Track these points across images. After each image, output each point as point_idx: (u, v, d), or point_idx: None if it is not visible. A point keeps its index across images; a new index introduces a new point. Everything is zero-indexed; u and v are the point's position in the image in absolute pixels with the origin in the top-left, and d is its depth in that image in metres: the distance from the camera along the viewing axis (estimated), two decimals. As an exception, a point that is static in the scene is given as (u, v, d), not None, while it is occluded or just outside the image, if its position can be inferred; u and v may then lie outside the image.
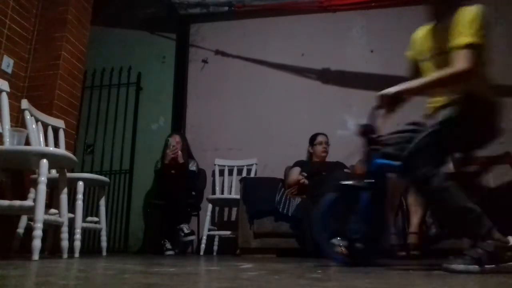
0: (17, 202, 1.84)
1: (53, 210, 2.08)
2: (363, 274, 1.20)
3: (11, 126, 2.10)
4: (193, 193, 3.30)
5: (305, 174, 2.73)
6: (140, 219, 3.84)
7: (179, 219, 2.96)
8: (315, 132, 3.28)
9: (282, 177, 3.18)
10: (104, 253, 2.65)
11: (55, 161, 1.92)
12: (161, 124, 4.10)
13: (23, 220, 2.30)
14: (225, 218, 3.77)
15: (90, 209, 3.74)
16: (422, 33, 1.79)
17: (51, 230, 2.52)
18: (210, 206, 3.27)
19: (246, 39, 4.18)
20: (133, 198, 3.90)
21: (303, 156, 3.39)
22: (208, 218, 3.23)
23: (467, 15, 1.50)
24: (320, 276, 1.12)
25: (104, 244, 2.67)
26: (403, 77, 3.96)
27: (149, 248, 3.41)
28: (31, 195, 2.26)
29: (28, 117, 2.19)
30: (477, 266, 1.27)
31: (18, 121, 2.74)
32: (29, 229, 2.08)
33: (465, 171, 2.03)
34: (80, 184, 2.34)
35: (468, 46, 1.45)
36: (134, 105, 4.14)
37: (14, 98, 2.74)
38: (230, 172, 3.66)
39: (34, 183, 1.91)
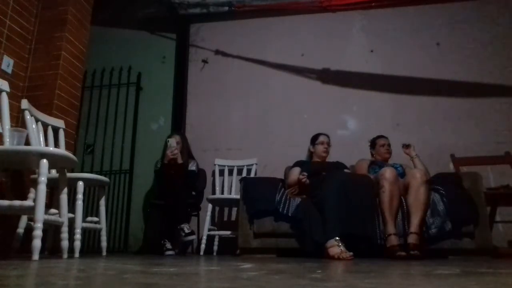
0: (17, 202, 1.84)
1: (53, 210, 2.07)
2: (363, 274, 1.20)
3: (11, 126, 2.10)
4: (193, 193, 3.30)
5: (306, 174, 2.72)
6: (140, 219, 3.84)
7: (179, 219, 2.95)
8: (316, 132, 3.28)
9: (282, 177, 3.18)
10: (104, 253, 2.65)
11: (55, 161, 1.92)
12: (161, 124, 4.10)
13: (23, 220, 2.30)
14: (225, 218, 3.77)
15: (90, 209, 3.75)
16: None
17: (51, 230, 2.52)
18: (210, 206, 3.27)
19: (246, 39, 4.18)
20: (133, 198, 3.90)
21: (303, 156, 3.39)
22: (208, 218, 3.23)
23: None
24: (320, 276, 1.12)
25: (104, 244, 2.67)
26: (403, 77, 4.00)
27: (149, 248, 3.41)
28: (31, 195, 2.26)
29: (28, 117, 2.19)
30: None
31: (18, 121, 2.75)
32: (29, 229, 2.08)
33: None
34: (80, 184, 2.33)
35: None
36: (134, 105, 4.15)
37: (14, 98, 2.74)
38: (230, 172, 3.66)
39: (34, 183, 1.91)
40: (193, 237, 2.94)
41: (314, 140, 3.22)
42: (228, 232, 3.29)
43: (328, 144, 3.18)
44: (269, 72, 4.04)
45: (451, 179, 2.73)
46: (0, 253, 2.22)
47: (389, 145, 3.16)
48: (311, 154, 3.25)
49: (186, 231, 2.87)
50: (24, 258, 1.77)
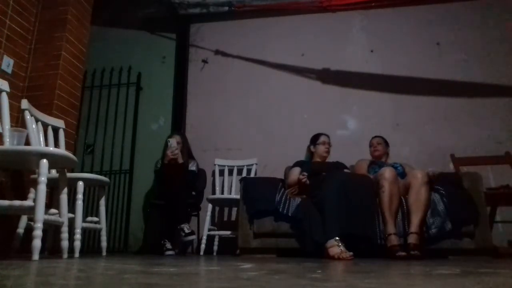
0: (17, 202, 1.84)
1: (53, 210, 2.07)
2: (363, 274, 1.20)
3: (11, 126, 2.10)
4: (193, 193, 3.30)
5: (306, 174, 2.72)
6: (140, 219, 3.84)
7: (179, 219, 2.95)
8: (316, 132, 3.28)
9: (282, 177, 3.18)
10: (104, 253, 2.65)
11: (55, 161, 1.92)
12: (161, 124, 4.10)
13: (23, 220, 2.30)
14: (225, 218, 3.77)
15: (90, 209, 3.75)
16: None
17: (51, 230, 2.52)
18: (210, 206, 3.27)
19: (246, 39, 4.18)
20: (133, 198, 3.90)
21: (303, 156, 3.39)
22: (208, 218, 3.23)
23: None
24: (320, 276, 1.12)
25: (104, 244, 2.67)
26: (403, 77, 4.00)
27: (149, 248, 3.41)
28: (31, 195, 2.26)
29: (28, 117, 2.19)
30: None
31: (18, 121, 2.75)
32: (29, 229, 2.08)
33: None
34: (80, 184, 2.33)
35: None
36: (134, 105, 4.14)
37: (14, 98, 2.74)
38: (230, 172, 3.66)
39: (34, 183, 1.91)
40: (193, 237, 2.94)
41: (315, 140, 3.21)
42: (228, 232, 3.29)
43: (329, 144, 3.19)
44: (269, 72, 4.04)
45: (451, 179, 2.73)
46: (0, 253, 2.22)
47: (379, 143, 3.12)
48: (311, 154, 3.25)
49: (186, 231, 2.87)
50: (24, 258, 1.77)
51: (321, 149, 3.15)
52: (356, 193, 2.48)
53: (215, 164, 3.67)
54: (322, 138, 3.18)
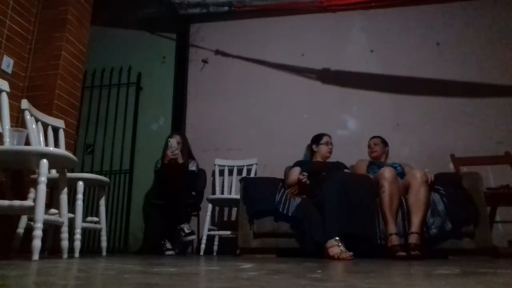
0: (17, 202, 1.84)
1: (53, 210, 2.07)
2: (363, 274, 1.20)
3: (11, 126, 2.10)
4: (193, 193, 3.30)
5: (306, 174, 2.72)
6: (140, 219, 3.84)
7: (179, 219, 2.95)
8: (316, 132, 3.28)
9: (282, 177, 3.18)
10: (104, 253, 2.65)
11: (55, 161, 1.92)
12: (161, 124, 4.10)
13: (23, 220, 2.30)
14: (225, 218, 3.77)
15: (90, 209, 3.75)
16: None
17: (51, 230, 2.52)
18: (210, 206, 3.27)
19: (246, 39, 4.18)
20: (133, 198, 3.90)
21: (303, 156, 3.39)
22: (208, 218, 3.23)
23: None
24: (320, 276, 1.12)
25: (104, 244, 2.67)
26: (403, 77, 4.00)
27: (149, 248, 3.41)
28: (31, 195, 2.26)
29: (28, 117, 2.19)
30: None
31: (18, 121, 2.75)
32: (29, 229, 2.08)
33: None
34: (80, 184, 2.33)
35: None
36: (134, 105, 4.14)
37: (14, 98, 2.74)
38: (230, 172, 3.66)
39: (34, 183, 1.91)
40: (193, 237, 2.94)
41: (317, 140, 3.21)
42: (228, 232, 3.29)
43: (332, 144, 3.19)
44: (269, 72, 4.04)
45: (451, 179, 2.73)
46: (0, 253, 2.22)
47: (376, 144, 3.13)
48: (312, 153, 3.25)
49: (186, 231, 2.87)
50: (24, 258, 1.77)
51: (324, 149, 3.15)
52: (356, 193, 2.48)
53: (215, 164, 3.67)
54: (325, 139, 3.18)
